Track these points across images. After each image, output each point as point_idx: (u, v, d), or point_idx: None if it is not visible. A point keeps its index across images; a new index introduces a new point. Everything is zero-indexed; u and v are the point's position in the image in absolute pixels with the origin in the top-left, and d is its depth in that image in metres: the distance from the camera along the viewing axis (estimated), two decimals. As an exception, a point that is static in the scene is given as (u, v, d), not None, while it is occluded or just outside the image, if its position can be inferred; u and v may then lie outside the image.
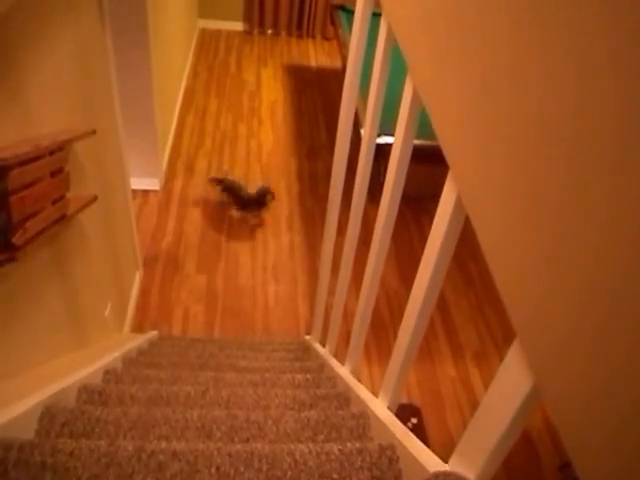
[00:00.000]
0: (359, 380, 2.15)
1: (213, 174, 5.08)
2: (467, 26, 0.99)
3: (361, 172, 2.09)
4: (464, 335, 3.82)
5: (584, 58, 0.65)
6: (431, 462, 1.26)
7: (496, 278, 0.89)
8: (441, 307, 4.01)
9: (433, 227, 1.30)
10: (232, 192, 4.60)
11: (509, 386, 0.91)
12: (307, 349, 3.24)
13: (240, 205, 4.58)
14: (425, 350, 3.68)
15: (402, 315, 1.49)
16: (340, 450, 1.39)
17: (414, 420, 2.94)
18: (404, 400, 3.29)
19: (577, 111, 0.66)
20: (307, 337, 3.54)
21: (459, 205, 1.15)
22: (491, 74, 0.90)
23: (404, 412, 3.00)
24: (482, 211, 0.95)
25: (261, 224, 4.70)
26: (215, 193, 4.82)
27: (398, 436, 1.46)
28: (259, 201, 4.53)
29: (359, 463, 1.39)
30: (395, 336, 1.55)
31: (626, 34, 0.57)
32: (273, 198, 4.59)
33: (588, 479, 0.68)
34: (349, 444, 1.42)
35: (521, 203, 0.80)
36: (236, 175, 5.12)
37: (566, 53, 0.69)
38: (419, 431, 2.92)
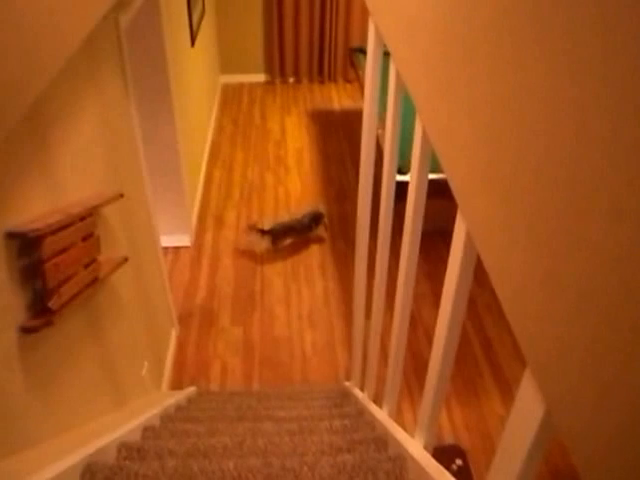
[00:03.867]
0: (397, 422, 2.14)
1: (246, 224, 5.16)
2: (468, 71, 1.02)
3: (384, 213, 2.11)
4: (510, 371, 3.76)
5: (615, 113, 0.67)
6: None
7: (507, 314, 0.90)
8: (484, 344, 3.96)
9: (449, 264, 1.31)
10: (289, 232, 4.77)
11: (524, 416, 0.92)
12: (347, 395, 3.23)
13: (297, 234, 4.83)
14: (471, 389, 3.63)
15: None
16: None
17: (459, 462, 2.90)
18: (451, 441, 3.24)
19: (574, 154, 0.69)
20: (347, 383, 3.52)
21: (470, 243, 1.17)
22: (487, 116, 0.93)
23: (449, 453, 2.96)
24: (490, 250, 0.97)
25: (323, 240, 5.02)
26: (248, 243, 4.89)
27: (434, 477, 1.45)
28: (316, 222, 4.87)
29: (395, 506, 1.39)
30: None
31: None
32: (324, 218, 4.92)
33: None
34: (383, 488, 1.43)
35: (526, 241, 0.82)
36: (272, 216, 5.23)
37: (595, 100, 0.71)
38: (465, 473, 2.88)
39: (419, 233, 1.73)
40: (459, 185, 1.12)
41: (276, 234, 4.69)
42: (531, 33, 0.75)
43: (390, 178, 2.03)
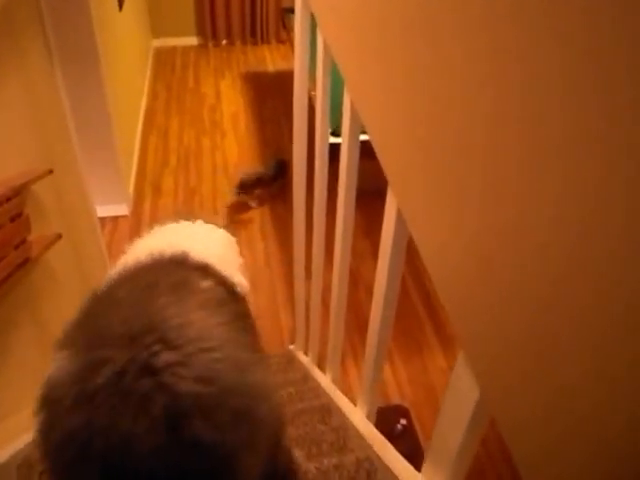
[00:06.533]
0: (343, 383, 2.14)
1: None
2: (403, 50, 1.01)
3: (318, 176, 2.11)
4: (450, 325, 3.80)
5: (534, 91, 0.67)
6: (405, 472, 1.28)
7: (440, 294, 0.91)
8: (424, 299, 4.02)
9: (382, 234, 1.32)
10: (258, 183, 4.76)
11: (461, 395, 0.93)
12: (291, 360, 3.21)
13: (265, 184, 4.83)
14: (413, 345, 3.68)
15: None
16: (317, 468, 1.40)
17: (403, 421, 2.94)
18: (396, 399, 3.29)
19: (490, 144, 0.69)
20: (291, 347, 3.48)
21: (400, 217, 1.19)
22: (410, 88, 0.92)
23: (393, 414, 3.00)
24: (420, 227, 0.98)
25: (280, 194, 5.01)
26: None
27: (375, 447, 1.47)
28: (282, 171, 4.92)
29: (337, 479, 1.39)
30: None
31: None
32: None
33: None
34: (326, 460, 1.43)
35: (454, 213, 0.82)
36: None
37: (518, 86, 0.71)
38: (409, 432, 2.93)
39: (353, 195, 1.74)
40: (389, 162, 1.12)
41: (244, 185, 4.68)
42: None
43: (323, 143, 2.02)
